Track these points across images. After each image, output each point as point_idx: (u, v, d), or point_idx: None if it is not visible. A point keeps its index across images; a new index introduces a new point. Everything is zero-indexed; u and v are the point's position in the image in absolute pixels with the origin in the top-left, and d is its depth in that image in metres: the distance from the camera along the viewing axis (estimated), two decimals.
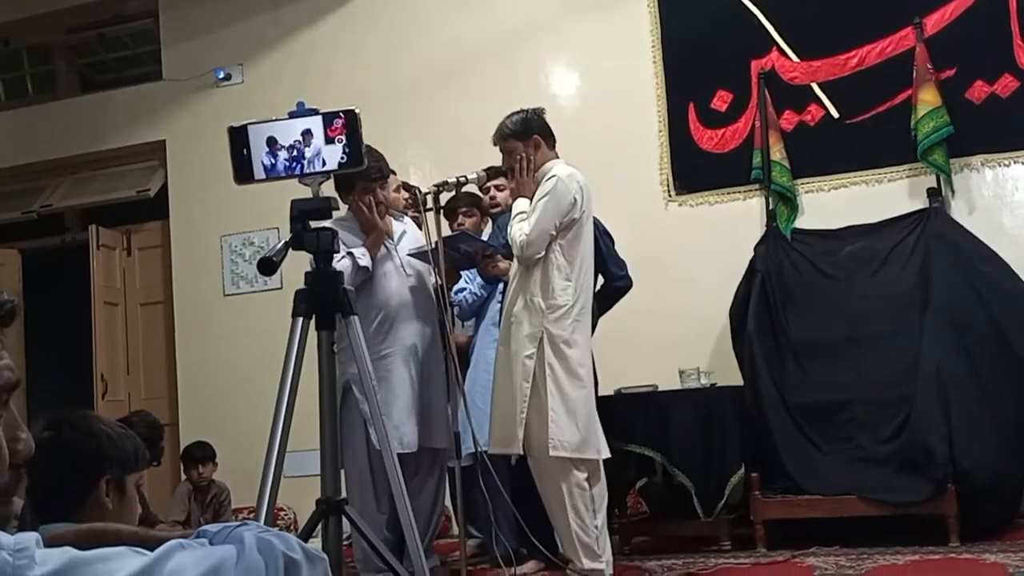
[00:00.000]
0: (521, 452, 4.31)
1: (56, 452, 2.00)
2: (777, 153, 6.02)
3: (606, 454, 4.40)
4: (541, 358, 4.28)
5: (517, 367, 4.30)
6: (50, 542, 1.19)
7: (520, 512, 4.39)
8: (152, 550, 1.25)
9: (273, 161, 3.03)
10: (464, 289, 5.13)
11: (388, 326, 4.54)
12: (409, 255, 4.59)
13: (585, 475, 4.31)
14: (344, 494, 3.10)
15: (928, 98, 5.70)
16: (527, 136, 4.45)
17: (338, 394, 4.35)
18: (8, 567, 1.06)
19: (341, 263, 4.32)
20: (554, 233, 4.31)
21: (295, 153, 3.02)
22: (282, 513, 6.80)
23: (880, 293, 5.46)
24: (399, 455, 4.36)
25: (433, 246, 4.30)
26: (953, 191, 5.76)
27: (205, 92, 7.73)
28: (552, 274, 4.31)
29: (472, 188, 4.97)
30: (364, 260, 4.44)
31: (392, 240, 4.64)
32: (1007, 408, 5.03)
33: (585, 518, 4.28)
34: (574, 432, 4.26)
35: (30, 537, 1.11)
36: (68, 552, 1.13)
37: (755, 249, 5.84)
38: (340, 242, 4.37)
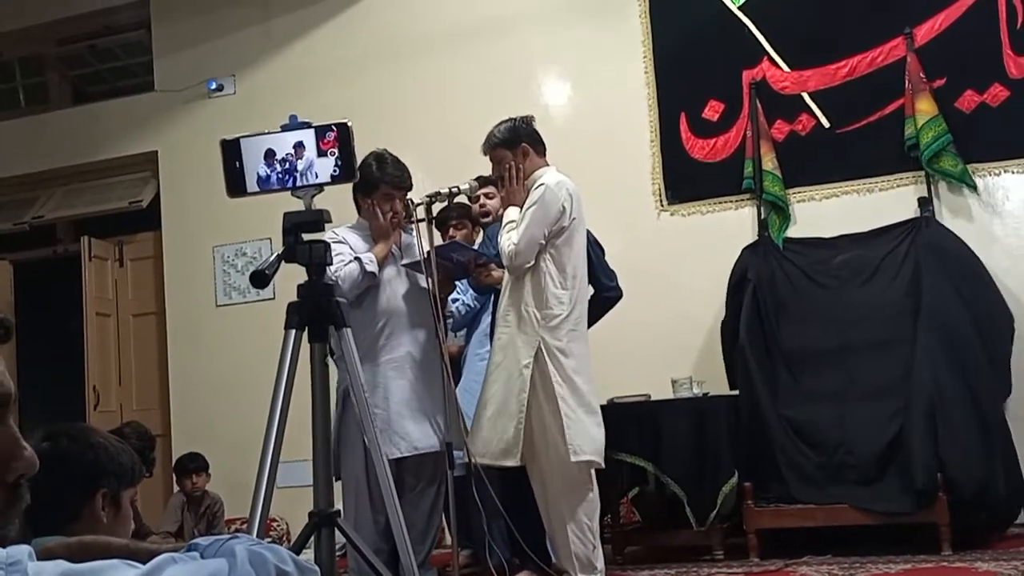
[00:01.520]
0: (516, 463, 4.31)
1: (53, 463, 1.98)
2: (769, 162, 6.04)
3: (602, 460, 4.41)
4: (541, 368, 4.28)
5: (514, 378, 4.30)
6: (42, 555, 1.19)
7: (512, 522, 4.39)
8: (143, 563, 1.25)
9: (267, 174, 3.04)
10: (456, 300, 5.14)
11: (393, 332, 4.56)
12: (403, 266, 4.61)
13: (587, 485, 4.32)
14: (337, 505, 3.10)
15: (925, 107, 5.71)
16: (515, 144, 4.45)
17: (339, 401, 4.43)
18: None
19: (348, 267, 4.38)
20: (543, 242, 4.31)
21: (288, 166, 3.02)
22: (274, 524, 6.79)
23: (872, 302, 5.47)
24: (404, 460, 4.41)
25: (425, 256, 4.31)
26: (975, 187, 5.75)
27: (197, 103, 7.73)
28: (545, 283, 4.32)
29: (464, 199, 4.97)
30: (371, 266, 4.47)
31: (399, 249, 4.67)
32: (997, 417, 5.05)
33: (584, 528, 4.28)
34: (589, 438, 4.27)
35: (22, 550, 1.11)
36: (60, 565, 1.13)
37: (742, 253, 5.85)
38: (348, 247, 4.46)
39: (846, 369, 5.35)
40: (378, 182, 4.52)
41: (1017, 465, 5.06)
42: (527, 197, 4.37)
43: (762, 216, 6.05)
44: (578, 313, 4.38)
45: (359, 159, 3.07)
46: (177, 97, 7.76)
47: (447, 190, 4.46)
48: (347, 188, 4.40)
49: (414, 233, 4.62)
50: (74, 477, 1.99)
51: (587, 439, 4.30)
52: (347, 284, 4.37)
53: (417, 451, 4.48)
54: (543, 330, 4.29)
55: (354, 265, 4.42)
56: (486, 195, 5.12)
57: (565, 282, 4.34)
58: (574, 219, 4.36)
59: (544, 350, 4.28)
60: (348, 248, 4.50)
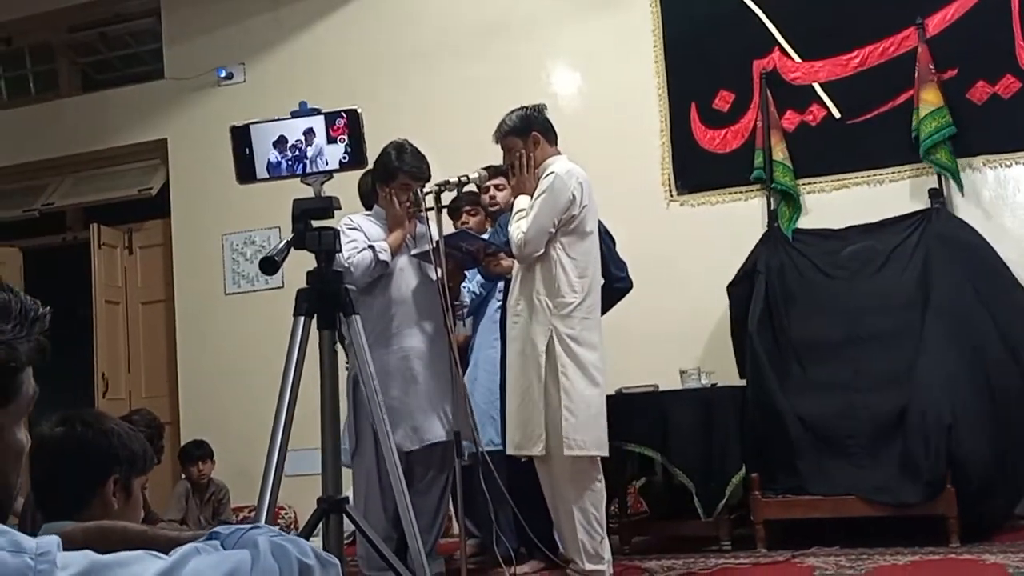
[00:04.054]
0: (542, 452, 4.30)
1: (68, 448, 2.00)
2: (779, 153, 6.02)
3: (605, 452, 4.40)
4: (552, 356, 4.27)
5: (531, 366, 4.30)
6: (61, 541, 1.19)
7: (519, 512, 4.39)
8: (161, 550, 1.25)
9: (276, 160, 3.04)
10: (465, 287, 5.13)
11: (403, 322, 4.57)
12: (412, 256, 4.62)
13: (594, 475, 4.32)
14: (345, 492, 3.10)
15: (930, 98, 5.70)
16: (526, 133, 4.44)
17: (348, 387, 4.43)
18: (30, 571, 1.06)
19: (360, 255, 4.41)
20: (553, 230, 4.30)
21: (297, 153, 3.02)
22: (282, 512, 6.80)
23: (881, 293, 5.46)
24: (413, 451, 4.42)
25: (435, 246, 4.31)
26: (962, 187, 5.74)
27: (207, 91, 7.74)
28: (556, 271, 4.30)
29: (474, 187, 4.97)
30: (384, 255, 4.49)
31: (413, 240, 4.68)
32: (1006, 408, 5.04)
33: (591, 519, 4.28)
34: (588, 431, 4.26)
35: (51, 541, 1.11)
36: (88, 556, 1.13)
37: (754, 250, 5.84)
38: (362, 235, 4.46)
39: (855, 360, 5.34)
40: (396, 171, 4.55)
41: None
42: (537, 185, 4.37)
43: (772, 207, 6.04)
44: (591, 301, 4.36)
45: (368, 146, 3.06)
46: (187, 85, 7.76)
47: (456, 179, 4.46)
48: (355, 174, 4.42)
49: (428, 223, 4.63)
50: (87, 462, 2.00)
51: (591, 432, 4.28)
52: (359, 271, 4.39)
53: (423, 443, 4.49)
54: (555, 318, 4.28)
55: (367, 253, 4.44)
56: (496, 187, 5.11)
57: (577, 270, 4.33)
58: (585, 207, 4.35)
59: (556, 338, 4.27)
60: (363, 235, 4.52)
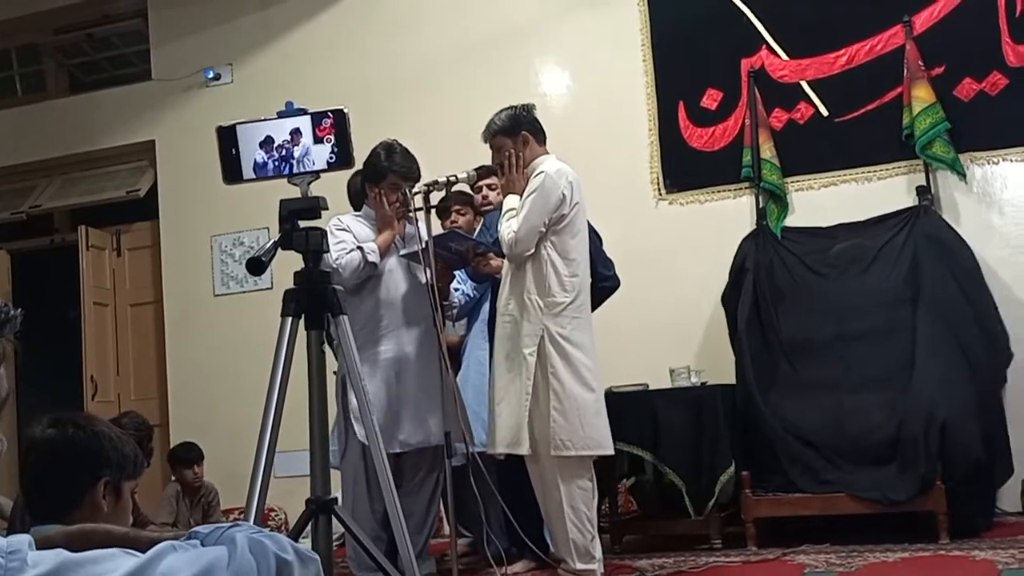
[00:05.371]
0: (529, 451, 4.29)
1: (59, 449, 2.00)
2: (767, 151, 6.03)
3: (596, 452, 4.38)
4: (542, 356, 4.26)
5: (521, 366, 4.29)
6: (42, 544, 1.19)
7: (510, 511, 4.39)
8: (143, 551, 1.25)
9: (263, 160, 3.03)
10: (457, 289, 5.12)
11: (392, 323, 4.56)
12: (401, 256, 4.61)
13: (584, 475, 4.31)
14: (335, 493, 3.10)
15: (922, 95, 5.71)
16: (515, 132, 4.44)
17: (338, 388, 4.42)
18: (1, 569, 1.06)
19: (349, 255, 4.40)
20: (543, 229, 4.29)
21: (284, 153, 3.02)
22: (272, 513, 6.79)
23: (870, 291, 5.47)
24: (403, 453, 4.41)
25: (423, 246, 4.30)
26: (964, 176, 5.73)
27: (194, 92, 7.72)
28: (547, 271, 4.30)
29: (463, 187, 4.96)
30: (373, 256, 4.48)
31: (403, 240, 4.67)
32: (994, 405, 5.06)
33: (582, 518, 4.27)
34: (575, 431, 4.24)
35: (22, 540, 1.11)
36: (60, 554, 1.13)
37: (741, 244, 5.85)
38: (351, 235, 4.45)
39: (844, 358, 5.35)
40: (386, 171, 4.54)
41: (1008, 452, 5.11)
42: (527, 185, 4.36)
43: (760, 205, 6.04)
44: (581, 300, 4.36)
45: (356, 146, 3.06)
46: (174, 86, 7.74)
47: (445, 179, 4.45)
48: (344, 175, 4.41)
49: (417, 223, 4.62)
50: (78, 464, 2.00)
51: (580, 433, 4.27)
52: (347, 272, 4.38)
53: (404, 448, 4.48)
54: (546, 318, 4.27)
55: (356, 254, 4.43)
56: (488, 186, 5.11)
57: (568, 269, 4.32)
58: (576, 205, 4.34)
59: (548, 338, 4.26)
60: (351, 236, 4.51)
